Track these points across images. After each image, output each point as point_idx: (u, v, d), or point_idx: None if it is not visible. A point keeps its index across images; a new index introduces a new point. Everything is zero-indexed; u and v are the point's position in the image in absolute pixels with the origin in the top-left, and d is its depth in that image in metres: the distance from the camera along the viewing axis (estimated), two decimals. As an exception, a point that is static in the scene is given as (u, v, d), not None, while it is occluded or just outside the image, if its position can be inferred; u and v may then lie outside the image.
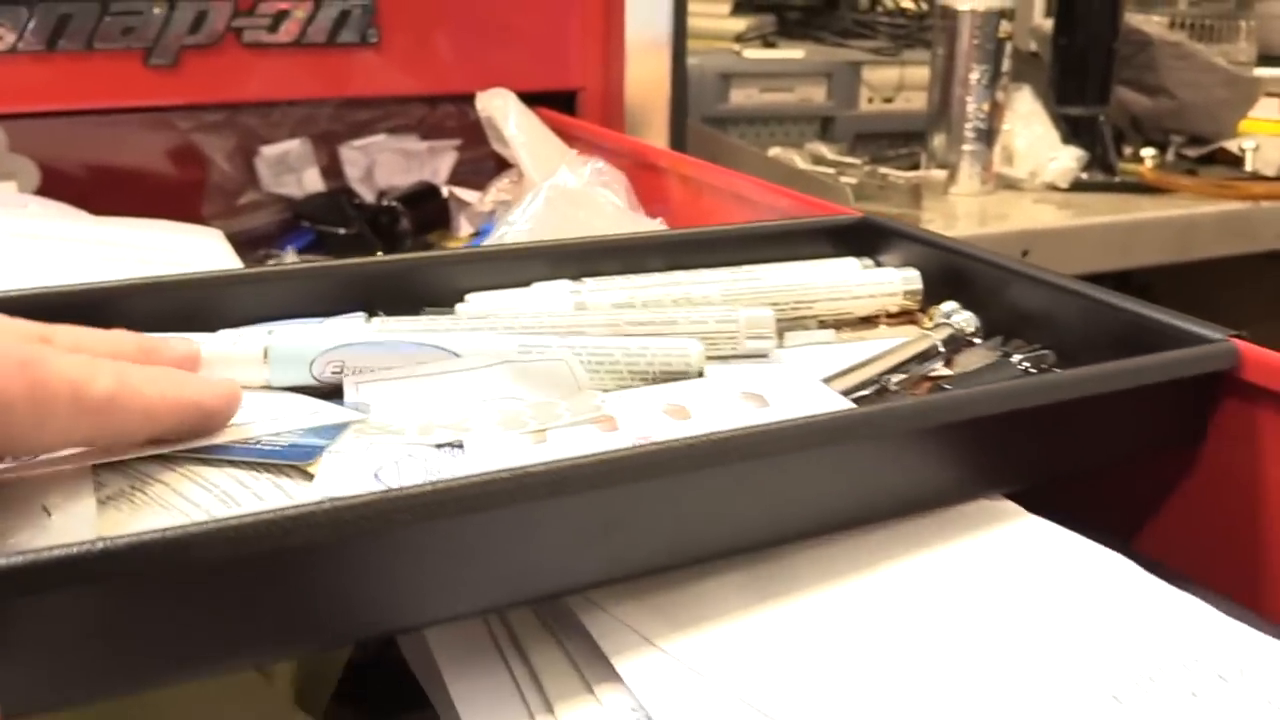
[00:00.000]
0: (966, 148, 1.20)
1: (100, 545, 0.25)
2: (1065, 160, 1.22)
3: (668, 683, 0.30)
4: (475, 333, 0.41)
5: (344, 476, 0.33)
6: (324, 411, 0.37)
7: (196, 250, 0.61)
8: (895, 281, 0.50)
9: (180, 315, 0.43)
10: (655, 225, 0.63)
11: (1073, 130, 1.26)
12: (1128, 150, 1.32)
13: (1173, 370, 0.39)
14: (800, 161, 1.20)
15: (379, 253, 0.77)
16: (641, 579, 0.33)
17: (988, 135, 1.20)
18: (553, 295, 0.49)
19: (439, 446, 0.35)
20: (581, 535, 0.31)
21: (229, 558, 0.26)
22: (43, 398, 0.28)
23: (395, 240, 0.82)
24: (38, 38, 0.73)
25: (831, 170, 1.18)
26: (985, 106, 1.19)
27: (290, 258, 0.78)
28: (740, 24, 1.37)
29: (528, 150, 0.76)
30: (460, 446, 0.35)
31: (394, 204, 0.81)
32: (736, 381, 0.40)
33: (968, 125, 1.19)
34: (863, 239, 0.54)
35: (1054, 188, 1.22)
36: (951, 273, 0.50)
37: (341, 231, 0.80)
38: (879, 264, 0.53)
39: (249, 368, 0.39)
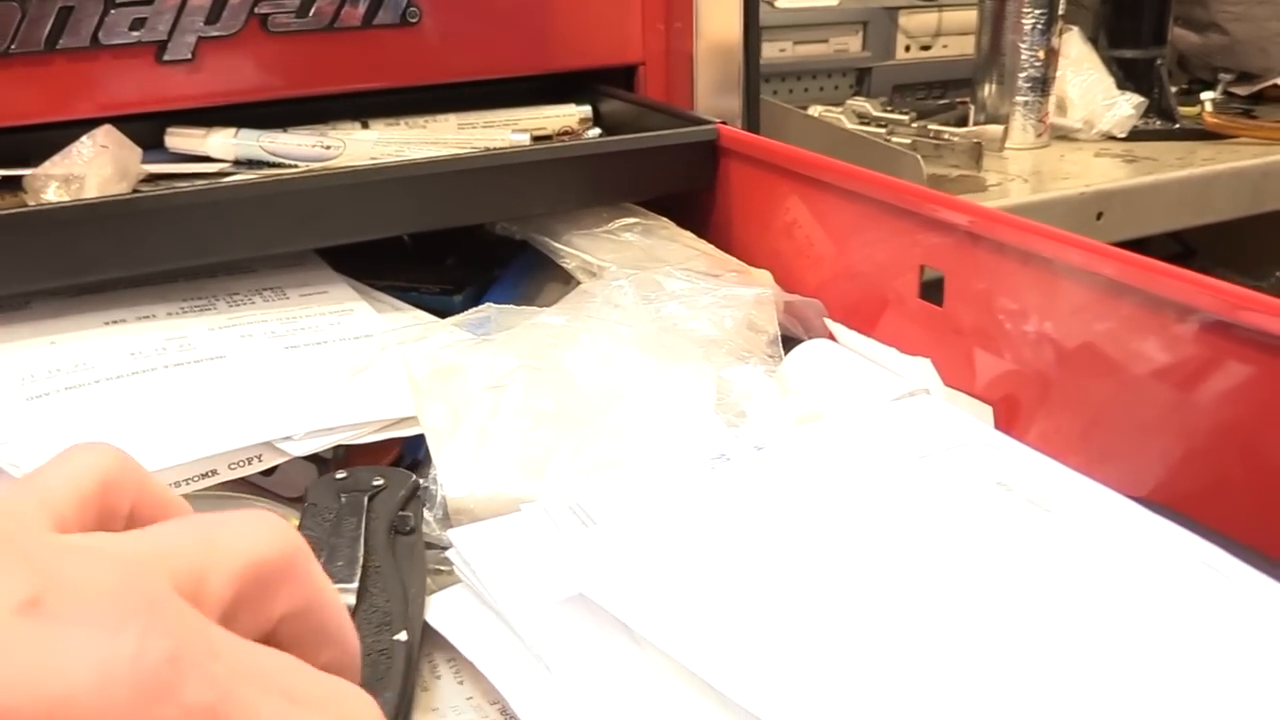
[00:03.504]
0: (1020, 98, 1.12)
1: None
2: (1123, 108, 1.14)
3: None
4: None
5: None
6: None
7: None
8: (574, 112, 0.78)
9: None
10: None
11: (1126, 74, 1.19)
12: (1172, 91, 1.25)
13: (685, 138, 0.70)
14: (846, 121, 1.12)
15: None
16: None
17: (1043, 84, 1.11)
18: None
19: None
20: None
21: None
22: None
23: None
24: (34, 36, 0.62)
25: (882, 130, 1.10)
26: (1040, 53, 1.10)
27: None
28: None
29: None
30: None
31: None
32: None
33: (1021, 74, 1.11)
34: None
35: (1111, 137, 1.15)
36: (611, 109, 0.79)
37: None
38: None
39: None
